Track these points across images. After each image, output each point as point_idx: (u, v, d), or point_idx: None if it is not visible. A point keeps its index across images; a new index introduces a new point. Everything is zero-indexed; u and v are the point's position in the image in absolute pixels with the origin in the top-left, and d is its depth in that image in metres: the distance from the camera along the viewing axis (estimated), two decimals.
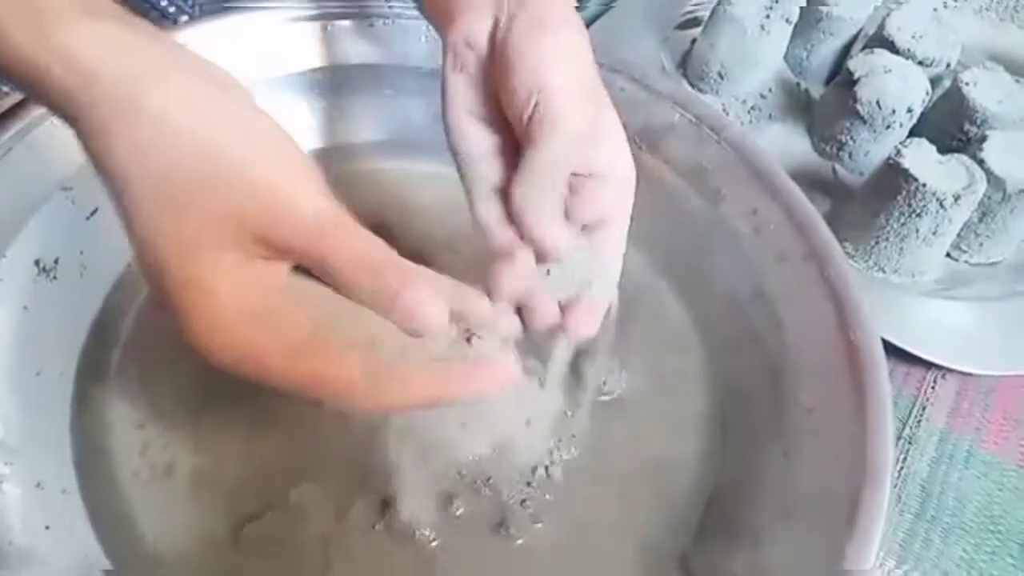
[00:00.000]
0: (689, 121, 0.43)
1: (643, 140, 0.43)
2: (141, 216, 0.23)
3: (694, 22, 0.60)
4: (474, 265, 0.41)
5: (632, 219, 0.43)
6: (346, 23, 0.44)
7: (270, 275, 0.25)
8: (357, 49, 0.45)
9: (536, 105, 0.28)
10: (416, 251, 0.40)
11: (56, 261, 0.35)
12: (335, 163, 0.46)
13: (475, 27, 0.30)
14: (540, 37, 0.29)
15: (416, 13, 0.44)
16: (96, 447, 0.34)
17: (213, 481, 0.34)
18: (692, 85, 0.57)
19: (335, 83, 0.45)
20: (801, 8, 0.54)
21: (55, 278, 0.35)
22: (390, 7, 0.45)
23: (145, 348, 0.37)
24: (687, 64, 0.57)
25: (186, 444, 0.34)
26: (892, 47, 0.52)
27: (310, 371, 0.24)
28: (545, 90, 0.28)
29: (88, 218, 0.37)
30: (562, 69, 0.29)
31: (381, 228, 0.40)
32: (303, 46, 0.44)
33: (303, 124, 0.45)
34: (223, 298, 0.24)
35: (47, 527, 0.31)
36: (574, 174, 0.30)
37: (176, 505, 0.33)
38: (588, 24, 0.58)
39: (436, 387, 0.25)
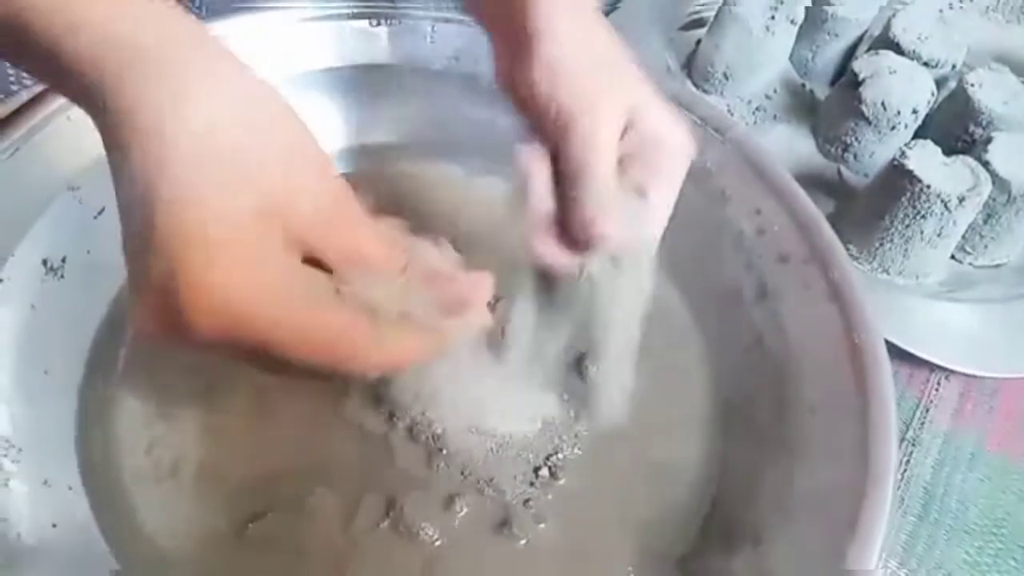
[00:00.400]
0: (694, 122, 0.43)
1: None
2: (169, 179, 0.23)
3: (699, 23, 0.60)
4: (484, 262, 0.42)
5: None
6: (355, 23, 0.44)
7: (287, 252, 0.25)
8: (365, 49, 0.45)
9: (555, 117, 0.30)
10: None
11: (63, 260, 0.36)
12: (345, 165, 0.46)
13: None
14: (539, 49, 0.30)
15: (421, 13, 0.45)
16: (102, 445, 0.34)
17: (218, 480, 0.34)
18: (697, 86, 0.57)
19: (342, 85, 0.45)
20: (806, 9, 0.54)
21: (62, 277, 0.36)
22: (396, 7, 0.45)
23: (152, 347, 0.37)
24: (692, 65, 0.57)
25: (191, 443, 0.35)
26: (897, 48, 0.52)
27: (324, 329, 0.24)
28: (556, 100, 0.30)
29: (95, 217, 0.37)
30: (572, 70, 0.30)
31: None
32: (314, 46, 0.44)
33: (315, 127, 0.45)
34: (244, 259, 0.23)
35: (54, 524, 0.31)
36: (623, 156, 0.31)
37: (181, 503, 0.33)
38: None
39: (435, 342, 0.27)
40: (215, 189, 0.23)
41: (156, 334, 0.23)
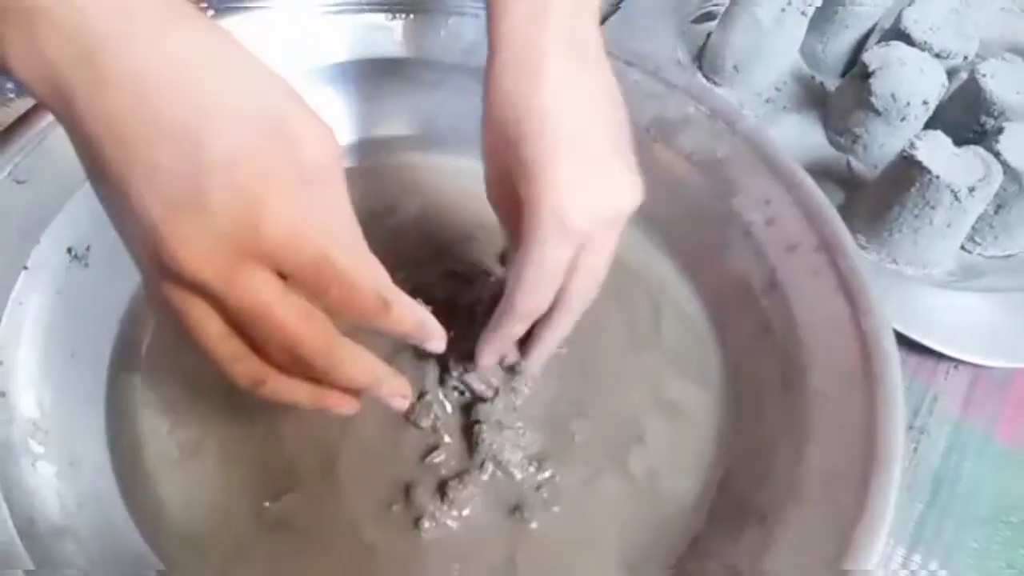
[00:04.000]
0: (704, 114, 0.43)
1: (658, 132, 0.44)
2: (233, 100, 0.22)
3: (710, 16, 0.60)
4: (492, 254, 0.42)
5: (645, 209, 0.44)
6: (370, 17, 0.45)
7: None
8: (379, 43, 0.45)
9: None
10: (436, 241, 0.41)
11: (88, 248, 0.37)
12: (360, 158, 0.47)
13: None
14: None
15: (434, 7, 0.45)
16: (127, 427, 0.35)
17: (239, 460, 0.35)
18: (707, 78, 0.57)
19: (357, 78, 0.46)
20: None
21: (87, 265, 0.37)
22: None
23: (174, 332, 0.38)
24: (703, 57, 0.58)
25: (213, 425, 0.36)
26: (908, 40, 0.52)
27: (372, 273, 0.26)
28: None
29: None
30: None
31: (404, 219, 0.41)
32: (329, 40, 0.44)
33: (329, 120, 0.46)
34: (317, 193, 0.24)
35: (80, 504, 0.32)
36: None
37: (203, 484, 0.34)
38: (600, 22, 0.59)
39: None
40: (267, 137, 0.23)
41: (209, 259, 0.23)
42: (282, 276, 0.24)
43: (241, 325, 0.25)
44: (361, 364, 0.27)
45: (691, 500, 0.36)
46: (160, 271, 0.23)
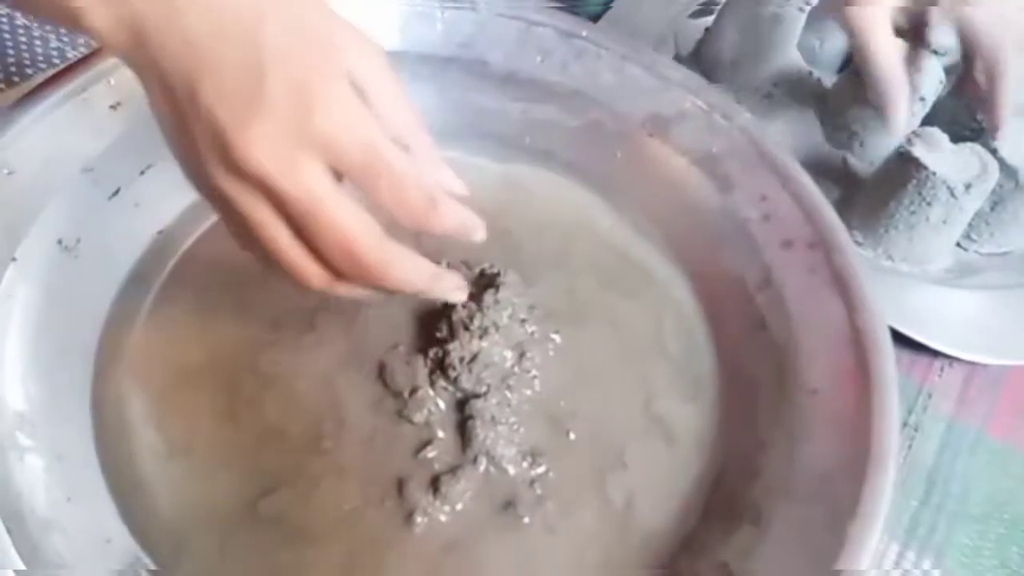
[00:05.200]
0: (700, 109, 0.43)
1: (654, 127, 0.44)
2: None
3: (707, 11, 0.60)
4: (489, 246, 0.42)
5: (641, 205, 0.44)
6: (361, 8, 0.44)
7: None
8: (373, 35, 0.45)
9: None
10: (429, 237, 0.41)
11: (78, 240, 0.36)
12: None
13: None
14: None
15: (433, 1, 0.45)
16: (116, 421, 0.35)
17: (228, 456, 0.34)
18: (705, 74, 0.57)
19: None
20: None
21: (77, 257, 0.36)
22: None
23: (165, 325, 0.38)
24: (700, 52, 0.57)
25: (202, 420, 0.35)
26: (906, 36, 0.52)
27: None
28: None
29: (110, 198, 0.38)
30: None
31: None
32: None
33: None
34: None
35: (69, 499, 0.32)
36: None
37: (193, 480, 0.34)
38: (597, 17, 0.59)
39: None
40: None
41: (278, 147, 0.25)
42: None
43: (301, 226, 0.26)
44: (413, 263, 0.29)
45: (685, 498, 0.35)
46: (227, 171, 0.25)
